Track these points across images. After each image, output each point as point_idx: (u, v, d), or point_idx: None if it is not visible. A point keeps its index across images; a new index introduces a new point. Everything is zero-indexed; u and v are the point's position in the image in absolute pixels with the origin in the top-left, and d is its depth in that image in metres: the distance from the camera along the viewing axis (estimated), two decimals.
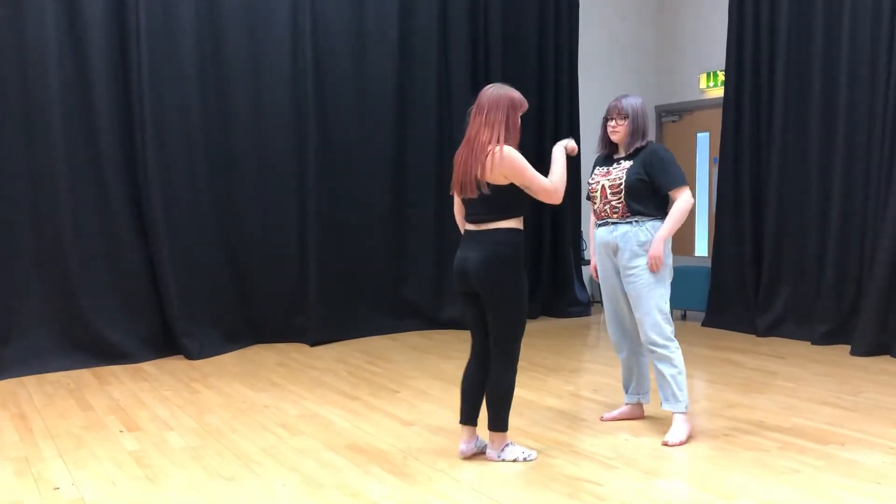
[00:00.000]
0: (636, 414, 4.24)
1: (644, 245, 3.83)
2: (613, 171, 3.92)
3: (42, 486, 3.39)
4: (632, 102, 3.93)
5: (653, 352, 3.87)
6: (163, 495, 3.26)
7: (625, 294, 3.97)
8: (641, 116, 3.92)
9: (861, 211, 6.15)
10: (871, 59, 6.06)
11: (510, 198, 3.46)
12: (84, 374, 5.53)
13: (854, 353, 5.87)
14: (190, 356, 5.98)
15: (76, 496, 3.26)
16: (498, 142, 3.41)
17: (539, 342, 6.58)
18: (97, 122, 5.79)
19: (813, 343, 6.28)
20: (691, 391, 4.45)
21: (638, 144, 3.89)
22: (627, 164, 3.88)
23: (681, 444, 3.80)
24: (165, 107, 6.00)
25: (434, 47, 7.13)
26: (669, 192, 3.85)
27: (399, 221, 7.14)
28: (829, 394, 4.76)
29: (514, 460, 3.57)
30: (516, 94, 3.52)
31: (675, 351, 3.86)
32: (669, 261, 3.88)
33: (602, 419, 4.25)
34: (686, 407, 3.89)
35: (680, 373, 3.86)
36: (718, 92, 7.94)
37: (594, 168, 4.09)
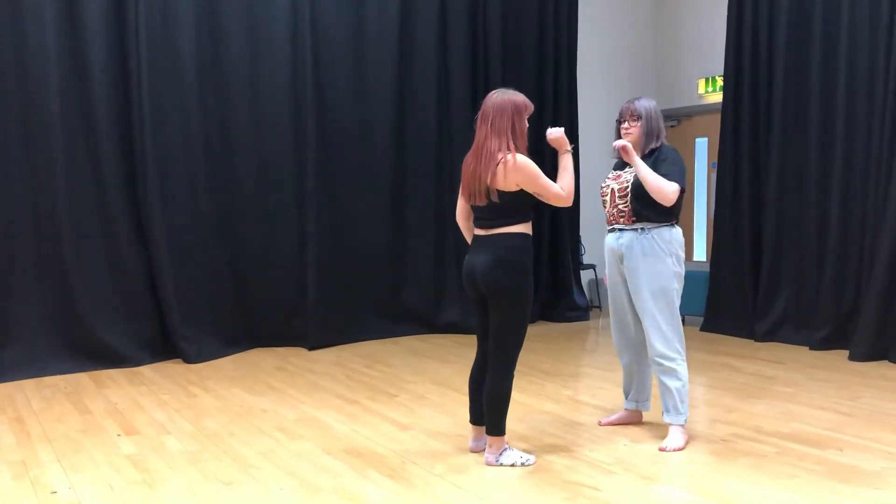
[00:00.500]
0: (634, 419, 4.24)
1: (648, 254, 3.80)
2: (623, 174, 3.91)
3: (39, 489, 3.38)
4: (645, 104, 3.91)
5: (659, 364, 3.84)
6: (160, 499, 3.25)
7: (631, 302, 3.96)
8: (655, 118, 3.89)
9: (859, 216, 6.16)
10: (869, 65, 6.07)
11: (519, 204, 3.49)
12: (82, 378, 5.52)
13: (852, 358, 5.87)
14: (188, 360, 5.97)
15: (73, 500, 3.26)
16: (508, 149, 3.43)
17: (538, 347, 6.58)
18: (96, 124, 5.79)
19: (811, 348, 6.28)
20: (690, 396, 4.44)
21: (652, 146, 3.87)
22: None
23: (677, 450, 3.79)
24: (164, 110, 6.00)
25: (433, 51, 7.13)
26: None
27: (398, 225, 7.14)
28: (828, 399, 4.76)
29: (513, 465, 3.57)
30: (520, 97, 3.53)
31: (681, 364, 3.83)
32: (680, 269, 3.84)
33: (600, 424, 4.24)
34: (686, 420, 3.88)
35: (684, 386, 3.84)
36: (717, 97, 7.95)
37: (610, 173, 4.08)
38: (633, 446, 3.87)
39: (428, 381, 5.38)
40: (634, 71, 8.87)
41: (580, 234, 8.37)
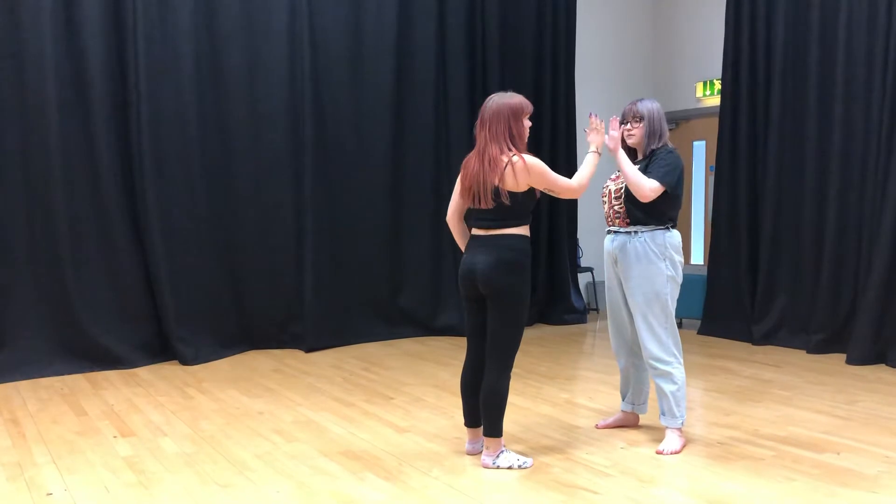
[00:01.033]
0: (631, 421, 4.24)
1: (640, 257, 3.80)
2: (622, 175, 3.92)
3: (35, 491, 3.37)
4: (647, 105, 3.91)
5: (654, 367, 3.84)
6: (156, 501, 3.25)
7: (627, 304, 3.96)
8: (658, 119, 3.89)
9: (856, 220, 6.16)
10: (866, 69, 6.08)
11: (524, 206, 3.53)
12: (78, 380, 5.51)
13: (849, 361, 5.88)
14: (185, 362, 5.96)
15: (69, 502, 3.25)
16: (511, 151, 3.47)
17: (535, 349, 6.58)
18: (93, 125, 5.78)
19: (808, 351, 6.29)
20: (687, 399, 4.44)
21: (654, 146, 3.87)
22: (637, 167, 3.86)
23: (674, 453, 3.79)
24: (162, 113, 5.99)
25: (432, 55, 7.13)
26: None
27: (395, 228, 7.13)
28: (825, 402, 4.76)
29: (510, 467, 3.57)
30: (516, 100, 3.55)
31: (677, 367, 3.83)
32: (675, 273, 3.83)
33: (597, 427, 4.24)
34: (682, 423, 3.88)
35: (679, 389, 3.83)
36: (715, 101, 7.96)
37: (613, 174, 4.08)
38: (631, 449, 3.87)
39: (425, 383, 5.37)
40: (632, 74, 8.89)
41: (578, 236, 8.37)
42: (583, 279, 8.62)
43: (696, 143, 8.67)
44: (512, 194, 3.48)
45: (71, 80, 5.71)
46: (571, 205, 8.04)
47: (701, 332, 7.21)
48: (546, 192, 3.56)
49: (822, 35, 6.34)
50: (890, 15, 5.86)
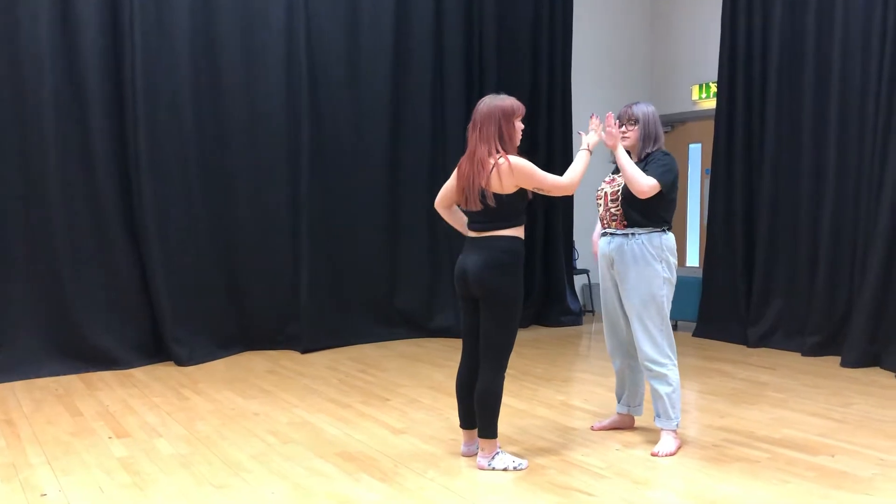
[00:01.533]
0: (627, 423, 4.24)
1: (637, 259, 3.81)
2: (618, 178, 3.92)
3: (29, 492, 3.36)
4: (643, 108, 3.92)
5: (649, 369, 3.85)
6: (151, 502, 3.24)
7: (622, 306, 3.96)
8: (652, 122, 3.90)
9: (851, 223, 6.18)
10: (862, 73, 6.09)
11: (513, 207, 3.53)
12: (73, 380, 5.50)
13: (844, 364, 5.89)
14: (180, 362, 5.95)
15: (63, 503, 3.24)
16: (498, 153, 3.48)
17: (531, 351, 6.58)
18: (90, 126, 5.78)
19: (803, 354, 6.30)
20: (682, 401, 4.45)
21: (649, 150, 3.88)
22: None
23: (669, 455, 3.79)
24: (158, 113, 5.99)
25: (429, 57, 7.14)
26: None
27: (392, 230, 7.13)
28: (820, 405, 4.77)
29: (505, 469, 3.57)
30: (508, 102, 3.57)
31: (672, 369, 3.84)
32: (670, 275, 3.84)
33: (593, 428, 4.24)
34: (678, 425, 3.88)
35: (675, 391, 3.84)
36: (711, 103, 7.97)
37: (607, 177, 4.09)
38: (626, 451, 3.88)
39: (421, 385, 5.37)
40: (629, 76, 8.90)
41: (574, 238, 8.37)
42: (578, 281, 8.63)
43: (691, 146, 8.69)
44: (498, 196, 3.49)
45: (67, 79, 5.70)
46: (567, 207, 8.05)
47: (696, 334, 7.22)
48: (536, 191, 3.56)
49: (817, 39, 6.36)
50: (885, 20, 5.88)
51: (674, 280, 3.87)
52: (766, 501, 3.22)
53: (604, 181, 4.04)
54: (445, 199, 3.78)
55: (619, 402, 4.23)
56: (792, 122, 6.59)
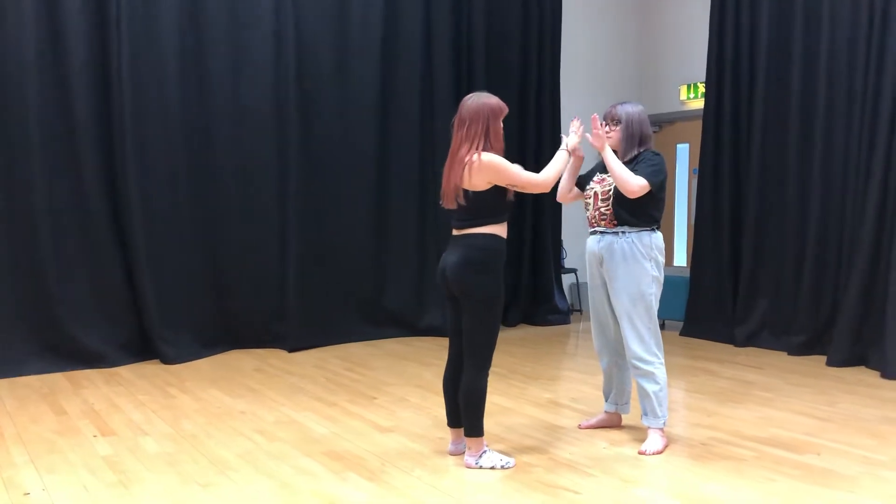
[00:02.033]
0: (614, 422, 4.25)
1: (627, 257, 3.81)
2: (608, 178, 3.91)
3: (13, 491, 3.33)
4: (627, 109, 3.92)
5: (636, 367, 3.85)
6: (136, 501, 3.22)
7: (611, 305, 3.97)
8: (636, 123, 3.89)
9: (838, 222, 6.21)
10: (849, 73, 6.13)
11: (489, 204, 3.52)
12: (58, 379, 5.45)
13: (830, 363, 5.92)
14: (167, 361, 5.92)
15: (47, 501, 3.21)
16: (476, 150, 3.47)
17: (518, 350, 6.58)
18: (75, 124, 5.74)
19: (790, 353, 6.33)
20: (669, 400, 4.46)
21: (634, 152, 3.88)
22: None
23: (656, 453, 3.80)
24: (145, 110, 5.95)
25: (417, 56, 7.13)
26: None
27: (380, 228, 7.12)
28: (806, 404, 4.80)
29: (492, 467, 3.57)
30: (494, 100, 3.57)
31: (659, 367, 3.85)
32: (659, 274, 3.85)
33: (580, 427, 4.25)
34: (665, 423, 3.89)
35: (662, 389, 3.85)
36: (699, 104, 8.00)
37: (593, 174, 4.09)
38: (613, 449, 3.88)
39: (408, 383, 5.36)
40: (617, 77, 8.91)
41: (562, 237, 8.38)
42: (566, 280, 8.64)
43: (679, 146, 8.72)
44: (474, 193, 3.48)
45: (52, 76, 5.66)
46: (556, 206, 8.05)
47: (683, 333, 7.25)
48: (510, 188, 3.55)
49: (805, 39, 6.39)
50: (872, 19, 5.91)
51: (661, 279, 3.88)
52: (753, 500, 3.23)
53: (592, 180, 4.03)
54: None
55: (606, 401, 4.23)
56: (779, 123, 6.62)
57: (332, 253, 6.84)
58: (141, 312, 5.99)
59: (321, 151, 6.75)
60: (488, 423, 3.82)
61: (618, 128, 3.91)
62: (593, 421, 4.27)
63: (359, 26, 6.88)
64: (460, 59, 7.37)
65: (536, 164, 7.45)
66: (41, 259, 5.64)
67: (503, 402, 4.81)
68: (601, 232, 3.91)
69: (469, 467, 3.58)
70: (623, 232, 3.83)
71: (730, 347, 6.70)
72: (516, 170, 3.52)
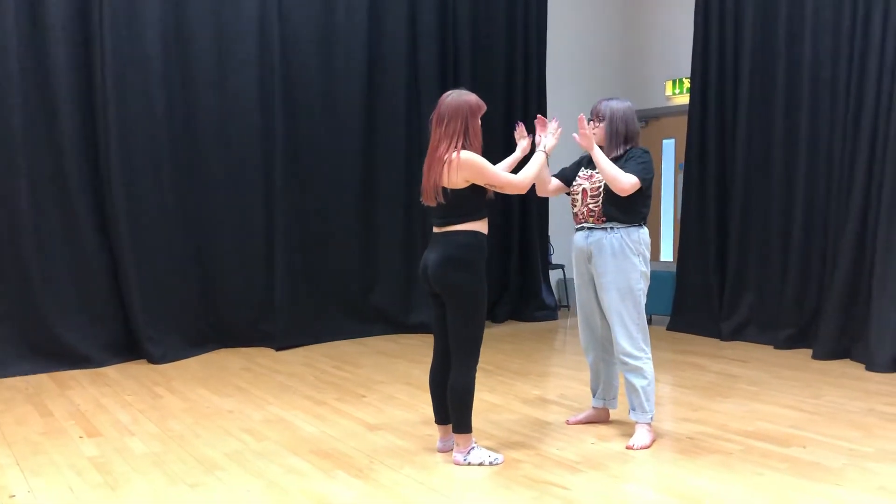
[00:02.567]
0: (602, 417, 4.26)
1: (616, 253, 3.82)
2: (596, 174, 3.91)
3: None
4: (613, 105, 3.92)
5: (625, 363, 3.87)
6: (123, 502, 3.20)
7: (598, 301, 3.97)
8: (620, 120, 3.89)
9: (823, 218, 6.25)
10: (832, 68, 6.16)
11: (469, 202, 3.52)
12: (43, 379, 5.41)
13: (815, 356, 5.96)
14: (153, 360, 5.89)
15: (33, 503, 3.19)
16: (456, 148, 3.46)
17: (506, 346, 6.59)
18: (59, 123, 5.69)
19: (776, 347, 6.37)
20: (656, 394, 4.48)
21: (621, 150, 3.87)
22: None
23: (644, 448, 3.82)
24: (130, 109, 5.90)
25: (403, 54, 7.11)
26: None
27: (367, 226, 7.11)
28: (792, 397, 4.83)
29: (481, 464, 3.57)
30: (473, 98, 3.57)
31: (647, 362, 3.86)
32: (646, 269, 3.87)
33: (568, 423, 4.26)
34: (652, 418, 3.91)
35: (650, 384, 3.87)
36: (684, 99, 8.03)
37: (579, 169, 4.08)
38: (601, 444, 3.89)
39: (397, 381, 5.36)
40: (603, 72, 8.93)
41: (549, 233, 8.40)
42: (554, 276, 8.66)
43: (665, 142, 8.75)
44: (453, 191, 3.48)
45: (35, 75, 5.61)
46: (542, 202, 8.06)
47: (670, 328, 7.28)
48: (488, 187, 3.54)
49: (789, 34, 6.43)
50: (854, 15, 5.95)
51: (649, 274, 3.90)
52: (740, 493, 3.25)
53: (579, 176, 4.03)
54: None
55: (594, 396, 4.24)
56: (764, 118, 6.65)
57: (319, 251, 6.82)
58: (127, 312, 5.95)
59: (307, 150, 6.73)
60: (476, 419, 3.82)
61: (600, 125, 3.91)
62: (581, 417, 4.28)
63: (344, 23, 6.85)
64: (446, 54, 7.35)
65: (522, 163, 7.47)
66: (26, 260, 5.58)
67: (491, 398, 4.81)
68: (589, 228, 3.92)
69: (457, 464, 3.58)
70: (612, 228, 3.84)
71: (716, 342, 6.74)
72: (495, 170, 3.53)
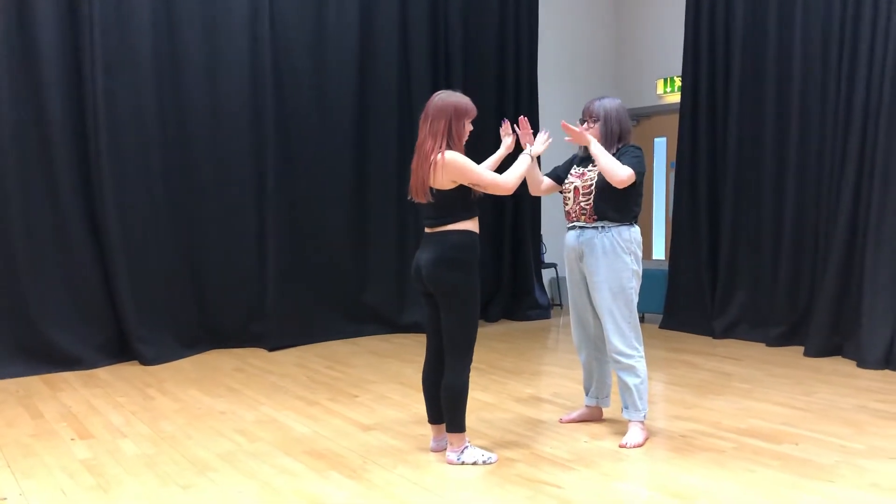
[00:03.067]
0: (595, 416, 4.26)
1: (607, 252, 3.83)
2: (588, 172, 3.92)
3: None
4: (605, 104, 3.92)
5: (617, 361, 3.87)
6: None
7: (590, 299, 3.98)
8: (615, 120, 3.90)
9: (813, 214, 6.28)
10: (822, 66, 6.19)
11: (459, 201, 3.52)
12: (34, 382, 5.39)
13: (807, 354, 5.99)
14: (145, 362, 5.87)
15: None
16: (440, 149, 3.47)
17: (499, 345, 6.59)
18: (49, 123, 5.64)
19: (768, 345, 6.39)
20: (649, 393, 4.49)
21: (614, 148, 3.87)
22: None
23: (637, 446, 3.82)
24: (119, 110, 5.87)
25: (394, 54, 7.10)
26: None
27: (359, 226, 7.09)
28: (784, 394, 4.84)
29: (474, 463, 3.57)
30: (463, 101, 3.56)
31: (640, 361, 3.87)
32: (638, 268, 3.88)
33: (561, 421, 4.26)
34: (645, 416, 3.92)
35: (642, 382, 3.88)
36: (675, 97, 8.04)
37: (571, 167, 4.09)
38: (594, 443, 3.90)
39: (390, 380, 5.35)
40: (594, 71, 8.94)
41: (542, 232, 8.40)
42: (546, 275, 8.67)
43: (656, 140, 8.76)
44: (439, 191, 3.49)
45: (24, 74, 5.57)
46: (534, 201, 8.07)
47: (662, 326, 7.29)
48: (472, 187, 3.54)
49: (779, 33, 6.45)
50: (844, 13, 5.97)
51: (640, 272, 3.91)
52: (733, 491, 3.26)
53: (571, 174, 4.04)
54: None
55: (587, 395, 4.25)
56: (755, 116, 6.67)
57: (311, 251, 6.81)
58: (119, 313, 5.92)
59: (299, 150, 6.71)
60: (470, 418, 3.82)
61: (596, 125, 3.92)
62: (574, 415, 4.28)
63: (335, 21, 6.83)
64: (437, 54, 7.34)
65: (512, 160, 7.47)
66: (16, 261, 5.55)
67: (484, 397, 4.81)
68: (581, 227, 3.92)
69: (451, 463, 3.58)
70: (603, 227, 3.85)
71: (709, 339, 6.75)
72: (479, 169, 3.52)
